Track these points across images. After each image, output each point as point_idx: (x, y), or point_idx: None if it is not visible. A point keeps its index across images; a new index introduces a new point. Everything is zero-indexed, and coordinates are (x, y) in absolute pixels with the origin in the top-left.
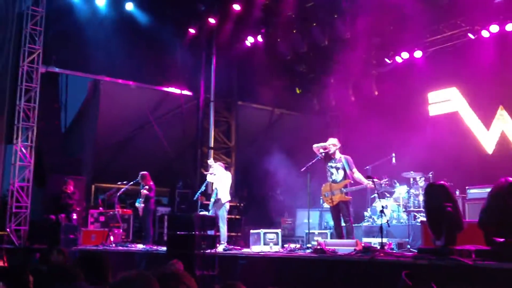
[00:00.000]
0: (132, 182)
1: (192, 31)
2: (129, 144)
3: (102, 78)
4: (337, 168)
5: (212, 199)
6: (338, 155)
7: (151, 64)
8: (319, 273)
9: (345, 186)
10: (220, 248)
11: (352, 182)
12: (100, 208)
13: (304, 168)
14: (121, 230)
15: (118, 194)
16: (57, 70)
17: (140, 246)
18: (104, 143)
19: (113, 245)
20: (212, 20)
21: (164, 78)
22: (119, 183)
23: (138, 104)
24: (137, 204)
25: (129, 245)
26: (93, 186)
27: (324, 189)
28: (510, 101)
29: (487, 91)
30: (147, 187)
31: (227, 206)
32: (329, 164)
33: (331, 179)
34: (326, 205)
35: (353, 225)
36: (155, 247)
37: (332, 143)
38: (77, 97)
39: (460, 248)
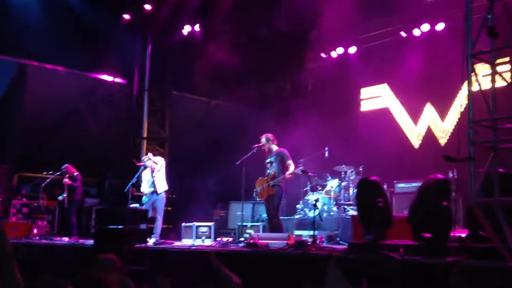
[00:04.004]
0: (58, 173)
1: (126, 16)
2: (57, 132)
3: (30, 62)
4: (271, 162)
5: (148, 190)
6: (274, 148)
7: (83, 50)
8: (252, 267)
9: (272, 179)
10: (151, 242)
11: (276, 175)
12: (24, 199)
13: (239, 161)
14: (45, 222)
15: (43, 184)
16: None
17: (65, 239)
18: (30, 130)
19: (37, 237)
20: (148, 6)
21: (97, 65)
22: (44, 173)
23: (67, 91)
24: (59, 197)
25: (54, 238)
26: (16, 176)
27: (256, 184)
28: (436, 98)
29: (416, 88)
30: (68, 175)
31: (164, 197)
32: (266, 160)
33: (267, 173)
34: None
35: (286, 218)
36: (81, 240)
37: (266, 139)
38: (2, 80)
39: (389, 243)
